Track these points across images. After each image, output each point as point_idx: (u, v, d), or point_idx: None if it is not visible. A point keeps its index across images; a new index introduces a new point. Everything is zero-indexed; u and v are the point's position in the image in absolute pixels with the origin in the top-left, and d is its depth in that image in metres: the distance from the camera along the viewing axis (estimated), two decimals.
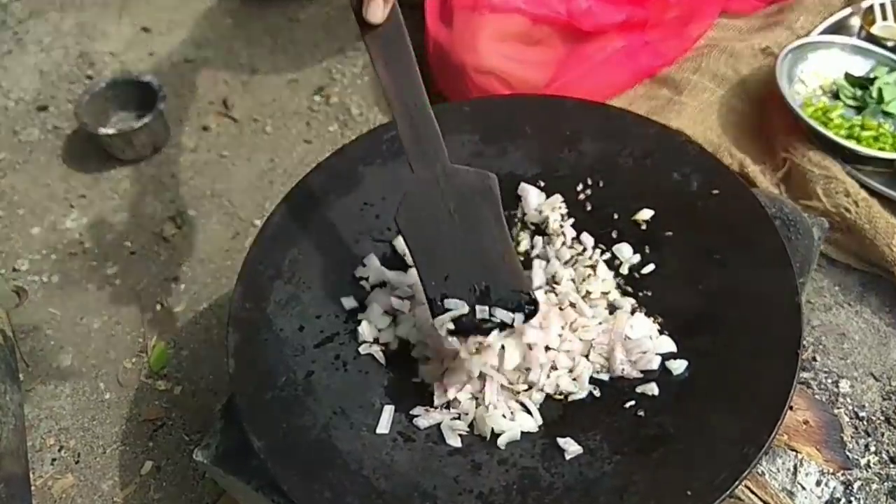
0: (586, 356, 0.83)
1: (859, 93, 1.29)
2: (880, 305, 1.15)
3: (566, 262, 0.91)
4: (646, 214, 0.92)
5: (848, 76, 1.31)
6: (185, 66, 1.67)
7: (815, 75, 1.33)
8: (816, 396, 1.05)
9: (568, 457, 0.75)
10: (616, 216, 0.94)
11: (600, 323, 0.84)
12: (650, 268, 0.89)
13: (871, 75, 1.30)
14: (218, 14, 1.78)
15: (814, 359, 1.09)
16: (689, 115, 1.32)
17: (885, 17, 1.38)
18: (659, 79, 1.42)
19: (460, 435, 0.78)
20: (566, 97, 1.04)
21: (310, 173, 0.97)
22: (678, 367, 0.79)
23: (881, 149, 1.20)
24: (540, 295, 0.87)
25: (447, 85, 1.41)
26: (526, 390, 0.80)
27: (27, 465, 1.07)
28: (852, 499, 0.91)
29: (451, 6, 1.38)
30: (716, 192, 0.90)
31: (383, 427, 0.78)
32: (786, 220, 0.96)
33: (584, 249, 0.92)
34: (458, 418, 0.79)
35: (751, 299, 0.81)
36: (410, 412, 0.80)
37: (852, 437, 1.01)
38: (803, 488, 0.88)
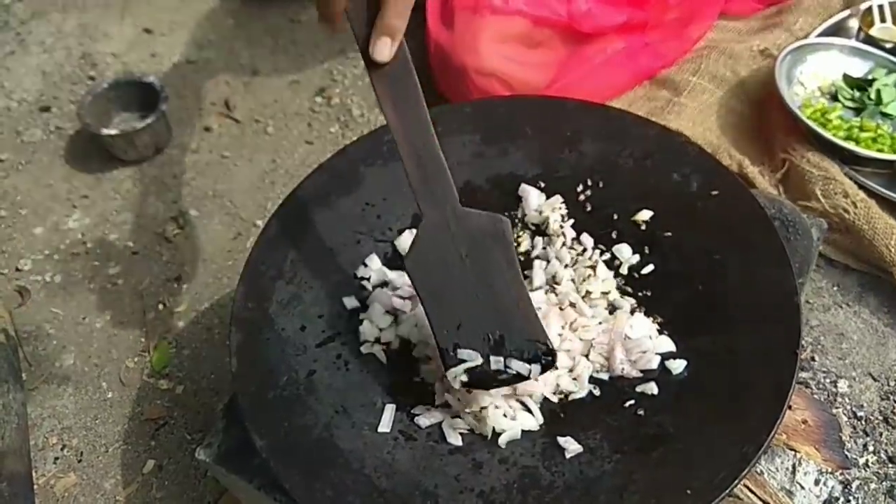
0: (586, 356, 0.83)
1: (858, 94, 1.30)
2: (879, 306, 1.16)
3: (566, 263, 0.92)
4: (645, 215, 0.93)
5: (846, 78, 1.32)
6: (187, 67, 1.67)
7: (813, 77, 1.33)
8: (815, 396, 1.05)
9: (568, 456, 0.75)
10: (616, 217, 0.94)
11: (600, 323, 0.85)
12: (650, 268, 0.89)
13: (870, 77, 1.31)
14: (219, 15, 1.78)
15: (812, 359, 1.10)
16: (689, 117, 1.32)
17: (883, 19, 1.38)
18: (659, 80, 1.42)
19: (461, 434, 0.78)
20: (566, 98, 1.05)
21: (311, 174, 0.97)
22: (678, 366, 0.80)
23: (880, 150, 1.20)
24: (540, 295, 0.87)
25: (448, 86, 1.42)
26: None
27: (30, 463, 1.08)
28: (851, 498, 0.92)
29: (453, 8, 1.39)
30: (715, 192, 0.90)
31: (385, 426, 0.79)
32: (785, 221, 0.97)
33: (584, 250, 0.93)
34: (459, 417, 0.79)
35: (750, 299, 0.81)
36: (412, 411, 0.80)
37: (851, 437, 1.01)
38: (802, 487, 0.88)
